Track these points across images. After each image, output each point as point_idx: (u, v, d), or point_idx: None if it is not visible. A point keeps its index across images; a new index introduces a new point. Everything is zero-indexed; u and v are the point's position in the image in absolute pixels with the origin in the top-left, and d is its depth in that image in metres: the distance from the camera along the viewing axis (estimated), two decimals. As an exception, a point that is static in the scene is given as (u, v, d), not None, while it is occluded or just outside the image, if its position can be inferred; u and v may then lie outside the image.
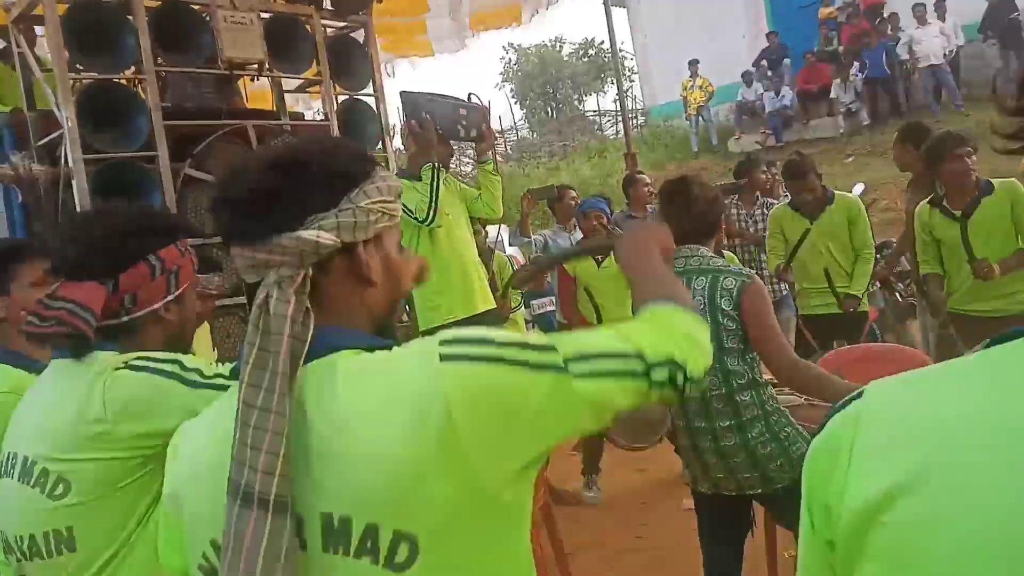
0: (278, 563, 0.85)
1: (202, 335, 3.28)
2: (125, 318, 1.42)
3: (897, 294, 6.36)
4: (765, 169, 6.01)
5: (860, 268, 4.38)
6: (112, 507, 1.37)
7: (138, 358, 1.39)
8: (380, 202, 1.00)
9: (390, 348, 0.97)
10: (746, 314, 2.44)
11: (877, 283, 5.43)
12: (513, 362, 0.90)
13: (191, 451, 1.02)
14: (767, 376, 2.56)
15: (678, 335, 0.99)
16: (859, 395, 0.69)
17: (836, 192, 4.56)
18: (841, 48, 13.07)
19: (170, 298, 1.46)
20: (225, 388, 1.14)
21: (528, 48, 26.70)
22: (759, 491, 2.50)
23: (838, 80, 12.71)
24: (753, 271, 2.68)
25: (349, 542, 0.88)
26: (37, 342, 1.42)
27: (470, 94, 3.88)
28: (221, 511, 0.90)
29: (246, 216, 0.95)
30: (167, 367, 1.37)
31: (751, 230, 5.61)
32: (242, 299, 3.93)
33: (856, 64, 12.38)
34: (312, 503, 0.89)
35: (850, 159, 11.79)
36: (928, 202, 3.89)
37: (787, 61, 13.80)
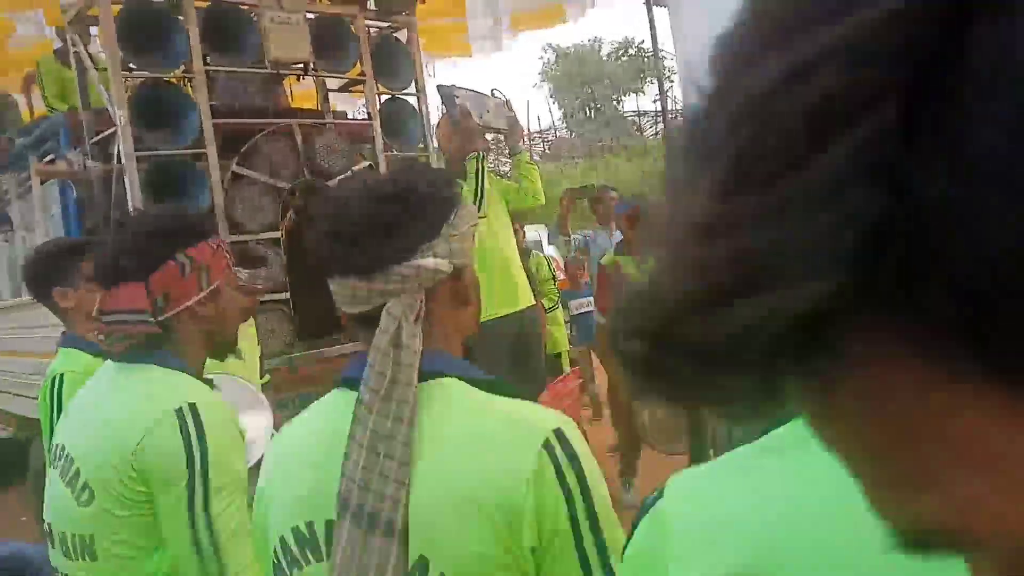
0: None
1: (247, 333, 3.33)
2: (160, 317, 1.44)
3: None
4: None
5: None
6: (133, 526, 1.37)
7: (195, 414, 1.36)
8: (471, 226, 1.04)
9: (497, 389, 1.00)
10: None
11: None
12: (576, 524, 0.90)
13: (285, 447, 1.09)
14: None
15: None
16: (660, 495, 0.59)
17: None
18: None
19: (203, 294, 1.47)
20: (199, 544, 1.27)
21: (566, 48, 26.65)
22: None
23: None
24: None
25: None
26: (125, 361, 1.46)
27: (493, 90, 3.89)
28: (310, 502, 0.98)
29: (363, 250, 0.97)
30: (196, 455, 1.34)
31: None
32: (286, 295, 4.00)
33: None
34: None
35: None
36: None
37: (831, 62, 13.61)
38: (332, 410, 1.04)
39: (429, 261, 0.97)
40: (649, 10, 5.79)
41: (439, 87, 3.53)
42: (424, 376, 0.97)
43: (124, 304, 1.40)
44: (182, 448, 1.33)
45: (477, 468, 0.91)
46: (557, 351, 5.47)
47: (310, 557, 0.98)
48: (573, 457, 0.92)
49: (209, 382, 1.51)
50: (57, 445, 1.50)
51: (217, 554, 1.34)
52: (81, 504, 1.38)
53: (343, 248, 0.98)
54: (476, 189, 3.49)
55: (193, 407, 1.36)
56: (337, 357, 4.24)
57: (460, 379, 0.99)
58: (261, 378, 3.47)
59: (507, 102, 3.72)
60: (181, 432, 1.34)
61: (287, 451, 1.09)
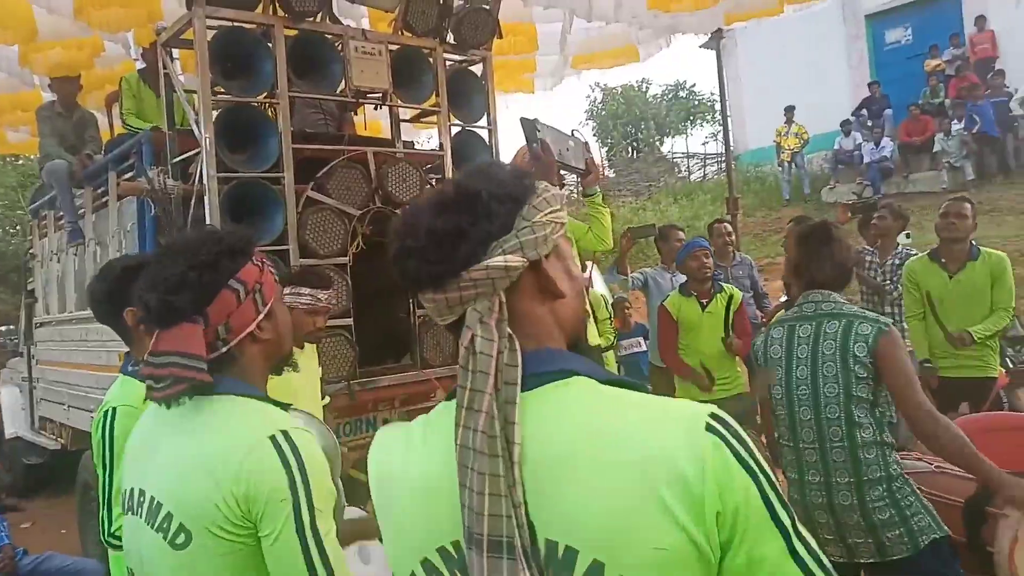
0: None
1: (310, 354, 3.32)
2: (224, 349, 1.39)
3: (1008, 360, 6.04)
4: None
5: (993, 318, 4.08)
6: (230, 566, 1.33)
7: (289, 440, 1.33)
8: (551, 213, 0.99)
9: (627, 386, 0.95)
10: (883, 363, 2.34)
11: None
12: (765, 494, 0.88)
13: (408, 471, 1.02)
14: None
15: None
16: None
17: (981, 248, 4.27)
18: (948, 101, 12.67)
19: (261, 316, 1.43)
20: (311, 562, 1.26)
21: (614, 88, 26.84)
22: (870, 560, 2.37)
23: (942, 134, 12.30)
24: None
25: (572, 574, 0.87)
26: (168, 402, 1.38)
27: (573, 130, 3.89)
28: (434, 528, 0.95)
29: (431, 261, 0.95)
30: (298, 478, 1.31)
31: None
32: (349, 321, 4.01)
33: (964, 119, 11.97)
34: (541, 531, 0.89)
35: (953, 215, 11.36)
36: None
37: (888, 112, 13.45)
38: (438, 427, 0.99)
39: (497, 260, 0.93)
40: (718, 52, 5.78)
41: (522, 119, 3.53)
42: (546, 377, 0.94)
43: (179, 346, 1.34)
44: (283, 471, 1.31)
45: (641, 459, 0.86)
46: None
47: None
48: (736, 433, 0.89)
49: (285, 406, 1.47)
50: (134, 490, 1.44)
51: (331, 573, 1.31)
52: (177, 547, 1.33)
53: (414, 262, 0.97)
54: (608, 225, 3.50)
55: (286, 433, 1.34)
56: (393, 386, 4.24)
57: (587, 377, 0.95)
58: (322, 399, 3.47)
59: (586, 144, 3.72)
60: (280, 457, 1.31)
61: (398, 477, 1.03)
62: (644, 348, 6.14)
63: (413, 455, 1.01)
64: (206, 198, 3.69)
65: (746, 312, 4.64)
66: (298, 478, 1.31)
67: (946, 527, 2.34)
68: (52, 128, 5.61)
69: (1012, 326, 4.81)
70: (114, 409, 2.09)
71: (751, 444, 0.89)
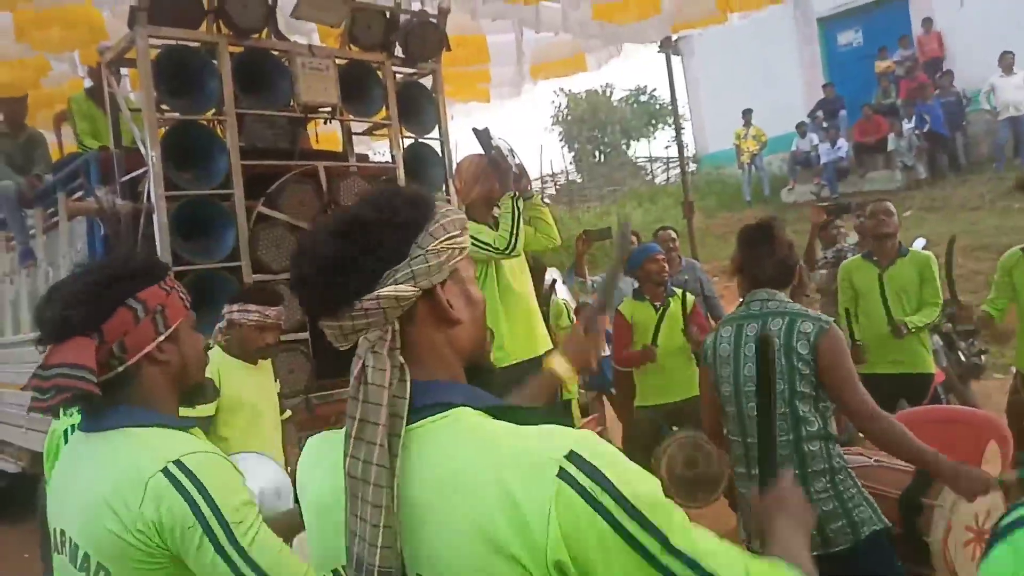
0: None
1: (265, 370, 3.33)
2: (120, 368, 1.36)
3: (960, 353, 6.18)
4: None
5: (924, 311, 4.22)
6: None
7: (183, 469, 1.32)
8: (448, 239, 0.98)
9: (510, 415, 0.95)
10: (824, 360, 2.39)
11: (939, 341, 5.28)
12: (623, 530, 0.86)
13: (310, 486, 1.06)
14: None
15: None
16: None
17: (909, 248, 4.44)
18: (899, 101, 12.97)
19: (161, 338, 1.40)
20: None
21: (578, 93, 27.03)
22: (816, 552, 2.42)
23: (894, 134, 12.59)
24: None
25: None
26: (49, 415, 1.37)
27: (499, 137, 3.93)
28: (330, 545, 0.97)
29: (323, 289, 0.95)
30: (201, 504, 1.30)
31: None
32: (306, 335, 4.02)
33: (913, 118, 12.26)
34: (409, 564, 0.91)
35: (908, 213, 11.61)
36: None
37: (843, 113, 13.73)
38: (335, 448, 0.99)
39: (388, 290, 0.93)
40: (668, 59, 5.88)
41: (475, 129, 3.56)
42: (426, 412, 0.93)
43: (68, 358, 1.30)
44: (182, 501, 1.29)
45: (487, 509, 0.86)
46: (568, 398, 5.42)
47: None
48: (594, 472, 0.86)
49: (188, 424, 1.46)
50: (56, 530, 1.43)
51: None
52: None
53: (308, 290, 0.97)
54: (512, 228, 3.50)
55: (178, 462, 1.31)
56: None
57: (469, 408, 0.94)
58: (282, 414, 3.47)
59: (512, 149, 3.76)
60: (175, 487, 1.29)
61: (304, 490, 1.07)
62: (609, 352, 6.19)
63: (315, 472, 1.05)
64: (154, 216, 3.68)
65: (700, 311, 4.71)
66: (200, 502, 1.30)
67: (886, 519, 2.40)
68: (-1, 149, 5.54)
69: (942, 321, 4.96)
70: (72, 427, 2.08)
71: (610, 476, 0.87)
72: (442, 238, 0.98)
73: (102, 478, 1.33)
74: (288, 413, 3.57)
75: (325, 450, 1.04)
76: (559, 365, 1.51)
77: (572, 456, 0.87)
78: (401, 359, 0.94)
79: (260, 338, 3.09)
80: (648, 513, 0.87)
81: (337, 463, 0.95)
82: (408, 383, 0.93)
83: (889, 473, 2.68)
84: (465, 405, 0.95)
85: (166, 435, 1.38)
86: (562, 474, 0.86)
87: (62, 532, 1.41)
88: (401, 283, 0.94)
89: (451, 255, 0.99)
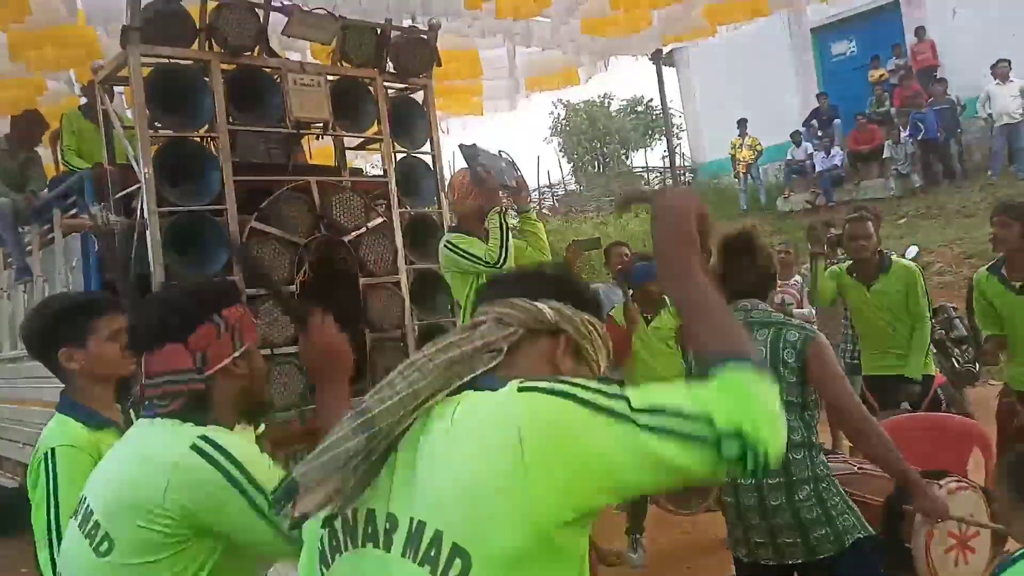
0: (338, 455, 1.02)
1: None
2: (199, 377, 1.47)
3: (954, 360, 6.20)
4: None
5: (916, 342, 4.22)
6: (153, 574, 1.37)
7: (211, 442, 1.40)
8: (592, 327, 1.21)
9: None
10: (813, 369, 2.41)
11: (933, 349, 5.31)
12: (584, 401, 0.97)
13: None
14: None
15: (755, 410, 0.98)
16: None
17: (893, 258, 4.44)
18: (893, 110, 13.03)
19: (237, 354, 1.51)
20: (287, 535, 1.34)
21: (577, 104, 27.14)
22: (800, 560, 2.43)
23: (890, 141, 12.64)
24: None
25: (419, 548, 0.97)
26: (175, 417, 1.46)
27: (500, 150, 3.98)
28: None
29: (517, 284, 1.22)
30: (235, 472, 1.38)
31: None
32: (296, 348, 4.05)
33: (908, 126, 12.32)
34: (408, 507, 1.01)
35: (902, 221, 11.65)
36: (987, 269, 3.89)
37: (837, 121, 13.79)
38: None
39: (537, 303, 1.21)
40: (659, 70, 5.92)
41: (461, 146, 3.61)
42: (478, 388, 1.12)
43: (169, 365, 1.45)
44: (216, 471, 1.37)
45: (477, 430, 1.02)
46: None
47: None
48: (547, 379, 1.04)
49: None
50: (83, 497, 1.51)
51: None
52: (99, 555, 1.39)
53: (497, 288, 1.27)
54: (502, 242, 3.54)
55: (205, 437, 1.41)
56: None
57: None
58: (256, 430, 3.43)
59: (513, 163, 3.81)
60: (207, 460, 1.38)
61: None
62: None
63: None
64: (148, 232, 3.72)
65: None
66: (233, 471, 1.38)
67: (870, 527, 2.42)
68: (-2, 166, 5.59)
69: (934, 328, 4.97)
70: (53, 450, 2.07)
71: (561, 377, 1.07)
72: (587, 322, 1.21)
73: (133, 456, 1.45)
74: (262, 428, 3.52)
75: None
76: None
77: (524, 379, 1.06)
78: (503, 350, 1.13)
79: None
80: (603, 386, 1.02)
81: None
82: (487, 367, 1.10)
83: (873, 480, 2.71)
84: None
85: (192, 426, 1.46)
86: (522, 388, 1.04)
87: (84, 499, 1.49)
88: (549, 307, 1.17)
89: (583, 337, 1.20)
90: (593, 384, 1.01)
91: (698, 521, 4.30)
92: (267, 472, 1.41)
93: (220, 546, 1.41)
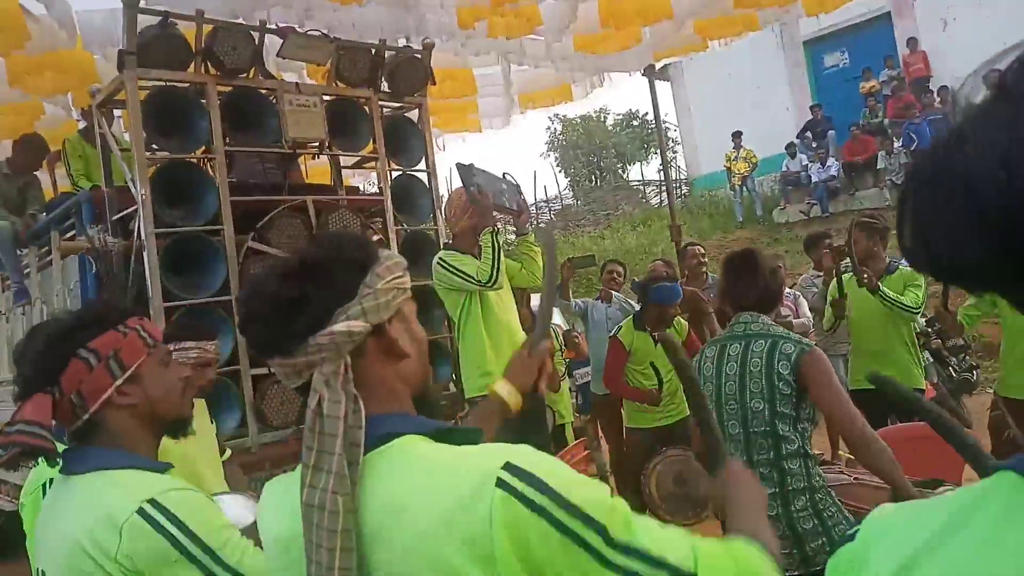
0: None
1: (200, 415, 3.10)
2: (85, 416, 1.40)
3: (951, 369, 6.21)
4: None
5: (907, 296, 4.22)
6: None
7: (158, 507, 1.33)
8: (393, 279, 1.05)
9: (453, 437, 1.00)
10: (808, 381, 2.44)
11: (929, 357, 5.31)
12: (559, 524, 0.89)
13: (272, 527, 1.10)
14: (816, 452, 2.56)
15: None
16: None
17: (900, 265, 4.42)
18: (887, 121, 13.11)
19: (119, 382, 1.42)
20: None
21: (573, 119, 27.27)
22: (796, 572, 2.43)
23: (883, 152, 12.71)
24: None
25: None
26: (8, 468, 1.38)
27: (505, 173, 4.02)
28: None
29: (276, 328, 0.99)
30: (183, 540, 1.32)
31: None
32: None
33: (902, 136, 12.39)
34: None
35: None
36: None
37: (832, 133, 13.88)
38: (292, 485, 1.03)
39: (342, 326, 0.98)
40: (651, 85, 5.99)
41: (458, 165, 3.65)
42: (377, 442, 0.98)
43: (27, 416, 1.34)
44: (162, 539, 1.32)
45: (432, 528, 0.90)
46: (561, 423, 5.44)
47: None
48: (531, 478, 0.91)
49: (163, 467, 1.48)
50: (38, 571, 1.47)
51: None
52: None
53: (260, 328, 1.00)
54: (493, 262, 3.57)
55: (152, 501, 1.34)
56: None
57: (417, 436, 0.99)
58: (222, 454, 3.30)
59: (517, 186, 3.85)
60: (153, 526, 1.32)
61: (266, 530, 1.11)
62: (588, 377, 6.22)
63: (276, 513, 1.08)
64: (145, 254, 3.75)
65: (696, 336, 4.75)
66: (179, 535, 1.33)
67: (865, 537, 2.43)
68: (-3, 189, 5.63)
69: (931, 337, 4.98)
70: (51, 480, 2.09)
71: (547, 480, 0.91)
72: (388, 278, 1.04)
73: (78, 521, 1.36)
74: (228, 453, 3.42)
75: (282, 491, 1.08)
76: (503, 389, 1.51)
77: (508, 467, 0.92)
78: (355, 391, 0.99)
79: (201, 376, 2.74)
80: (588, 510, 0.90)
81: (296, 503, 0.98)
82: (363, 413, 0.98)
83: (868, 491, 2.72)
84: (415, 433, 1.00)
85: (140, 476, 1.40)
86: (500, 483, 0.90)
87: (42, 573, 1.44)
88: (353, 319, 0.99)
89: (396, 294, 1.05)
90: (577, 497, 0.91)
91: (695, 532, 4.29)
92: (220, 533, 1.37)
93: None
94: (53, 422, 1.36)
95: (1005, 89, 0.43)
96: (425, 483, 0.94)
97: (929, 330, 5.63)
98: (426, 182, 4.89)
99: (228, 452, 3.31)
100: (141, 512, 1.32)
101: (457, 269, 3.56)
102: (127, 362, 1.44)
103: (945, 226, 0.46)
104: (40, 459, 1.38)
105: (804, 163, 13.67)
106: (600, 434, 5.77)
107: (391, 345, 1.04)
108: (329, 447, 0.95)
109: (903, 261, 6.32)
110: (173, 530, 1.32)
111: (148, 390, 1.47)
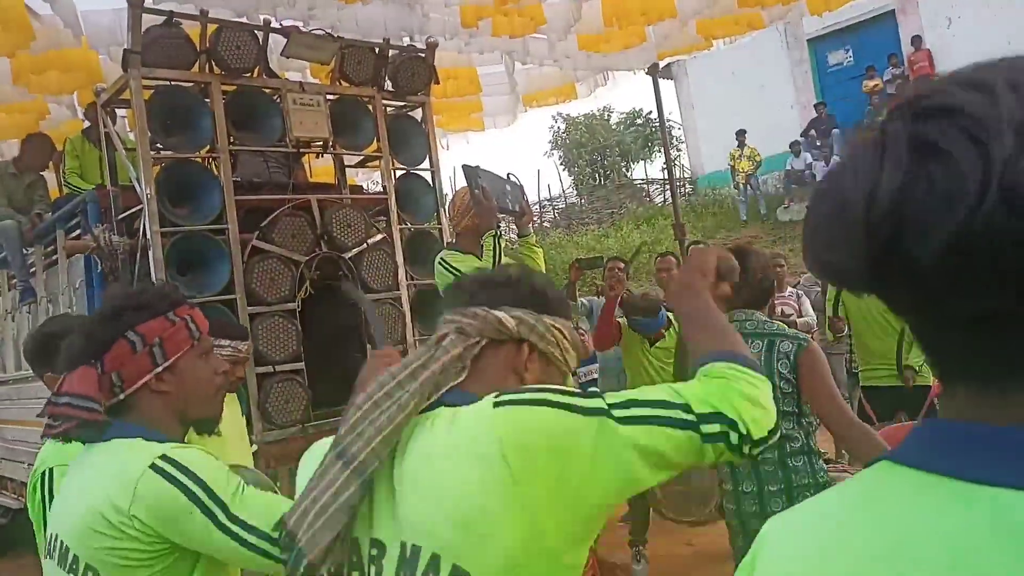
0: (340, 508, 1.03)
1: (232, 403, 3.25)
2: (121, 396, 1.45)
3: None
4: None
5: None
6: None
7: (170, 461, 1.38)
8: (557, 331, 1.17)
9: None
10: (804, 378, 2.45)
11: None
12: (559, 404, 0.97)
13: (306, 473, 1.18)
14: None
15: (733, 392, 1.03)
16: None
17: None
18: (891, 118, 13.08)
19: (159, 369, 1.46)
20: (247, 543, 1.33)
21: (577, 117, 27.25)
22: None
23: (888, 150, 12.69)
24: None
25: (415, 571, 0.98)
26: (63, 440, 1.46)
27: (509, 174, 4.03)
28: None
29: (472, 294, 1.19)
30: (195, 489, 1.36)
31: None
32: (301, 365, 4.08)
33: (906, 134, 12.37)
34: (396, 532, 1.02)
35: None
36: None
37: (836, 131, 13.86)
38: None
39: (497, 312, 1.18)
40: (655, 83, 5.99)
41: (464, 166, 3.66)
42: (444, 404, 1.12)
43: (74, 388, 1.40)
44: (175, 490, 1.35)
45: (457, 451, 1.03)
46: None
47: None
48: (521, 390, 1.05)
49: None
50: (52, 535, 1.50)
51: (268, 539, 1.37)
52: None
53: (459, 295, 1.25)
54: (494, 263, 3.58)
55: (164, 456, 1.38)
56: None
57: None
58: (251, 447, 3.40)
59: (521, 187, 3.85)
60: (166, 478, 1.36)
61: (307, 476, 1.20)
62: (599, 375, 6.21)
63: (314, 464, 1.15)
64: (150, 252, 3.76)
65: None
66: (193, 487, 1.36)
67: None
68: (3, 188, 5.64)
69: None
70: (50, 470, 2.11)
71: (535, 387, 1.07)
72: (554, 326, 1.18)
73: (94, 482, 1.41)
74: (255, 447, 3.51)
75: (322, 451, 1.16)
76: None
77: (499, 393, 1.06)
78: (467, 363, 1.13)
79: (232, 372, 2.90)
80: (577, 391, 1.04)
81: None
82: (452, 382, 1.11)
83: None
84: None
85: (150, 443, 1.45)
86: (497, 404, 1.03)
87: (55, 536, 1.48)
88: (510, 316, 1.15)
89: (549, 343, 1.17)
90: (566, 389, 1.02)
91: (703, 532, 4.30)
92: (229, 486, 1.40)
93: (201, 558, 1.41)
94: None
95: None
96: (448, 429, 1.07)
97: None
98: (430, 181, 4.89)
99: (255, 446, 3.41)
100: (154, 466, 1.37)
101: (457, 269, 3.57)
102: (169, 352, 1.49)
103: (827, 235, 0.54)
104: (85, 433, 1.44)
105: (808, 161, 13.66)
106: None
107: (518, 361, 1.16)
108: (429, 365, 1.10)
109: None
110: (186, 480, 1.37)
111: (184, 382, 1.51)
